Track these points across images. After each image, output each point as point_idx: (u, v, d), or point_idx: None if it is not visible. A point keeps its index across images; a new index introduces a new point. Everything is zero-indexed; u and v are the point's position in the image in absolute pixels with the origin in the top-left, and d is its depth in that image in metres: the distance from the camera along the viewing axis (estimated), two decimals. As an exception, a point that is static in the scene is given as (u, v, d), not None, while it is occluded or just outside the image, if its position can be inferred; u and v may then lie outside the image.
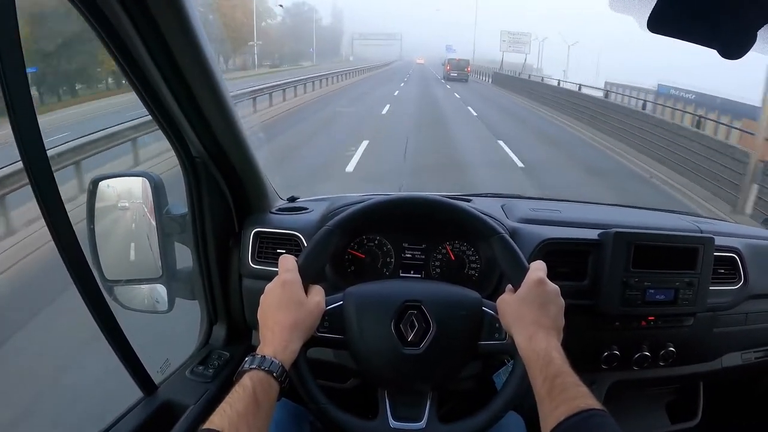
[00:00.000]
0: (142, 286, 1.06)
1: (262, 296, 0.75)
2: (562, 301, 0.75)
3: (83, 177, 4.37)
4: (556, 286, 0.75)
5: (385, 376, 0.80)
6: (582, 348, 1.11)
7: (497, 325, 0.78)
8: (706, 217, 1.44)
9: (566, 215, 1.23)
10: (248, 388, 0.63)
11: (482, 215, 0.86)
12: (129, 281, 1.03)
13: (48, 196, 0.70)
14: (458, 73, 32.02)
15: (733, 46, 0.50)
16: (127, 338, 0.86)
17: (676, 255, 1.06)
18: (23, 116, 0.64)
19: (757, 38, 0.49)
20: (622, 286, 1.04)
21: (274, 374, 0.66)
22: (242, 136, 0.95)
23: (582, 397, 0.61)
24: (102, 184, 0.98)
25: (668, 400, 1.43)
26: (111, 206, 1.02)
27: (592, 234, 1.10)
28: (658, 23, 0.49)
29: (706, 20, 0.49)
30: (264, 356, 0.67)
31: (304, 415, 0.93)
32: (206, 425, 0.58)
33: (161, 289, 1.04)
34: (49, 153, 0.70)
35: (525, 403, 0.76)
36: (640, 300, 1.05)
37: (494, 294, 0.82)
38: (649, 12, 0.49)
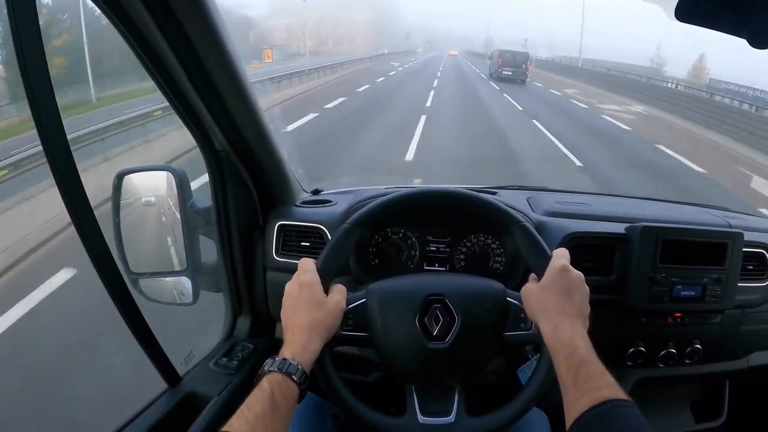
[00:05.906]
0: (167, 279, 1.07)
1: (283, 298, 0.75)
2: (587, 288, 0.73)
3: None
4: (580, 273, 0.74)
5: (411, 371, 0.79)
6: (607, 344, 1.08)
7: (522, 315, 0.77)
8: (735, 212, 1.39)
9: (593, 209, 1.21)
10: (266, 390, 0.63)
11: (503, 205, 0.85)
12: (154, 274, 1.05)
13: (71, 189, 0.69)
14: (513, 71, 22.44)
15: (763, 35, 0.49)
16: (151, 330, 0.87)
17: (704, 250, 1.04)
18: (45, 114, 0.64)
19: None
20: (649, 281, 1.03)
21: (293, 376, 0.66)
22: (266, 128, 0.95)
23: (607, 387, 0.61)
24: (126, 178, 0.99)
25: (693, 398, 1.41)
26: (136, 200, 1.04)
27: (619, 228, 1.08)
28: (685, 12, 0.49)
29: (734, 8, 0.49)
30: (284, 359, 0.67)
31: (327, 408, 0.94)
32: (225, 427, 0.58)
33: (186, 282, 1.05)
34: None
35: (549, 399, 0.76)
36: (667, 296, 1.04)
37: (520, 287, 0.81)
38: (677, 1, 0.48)
